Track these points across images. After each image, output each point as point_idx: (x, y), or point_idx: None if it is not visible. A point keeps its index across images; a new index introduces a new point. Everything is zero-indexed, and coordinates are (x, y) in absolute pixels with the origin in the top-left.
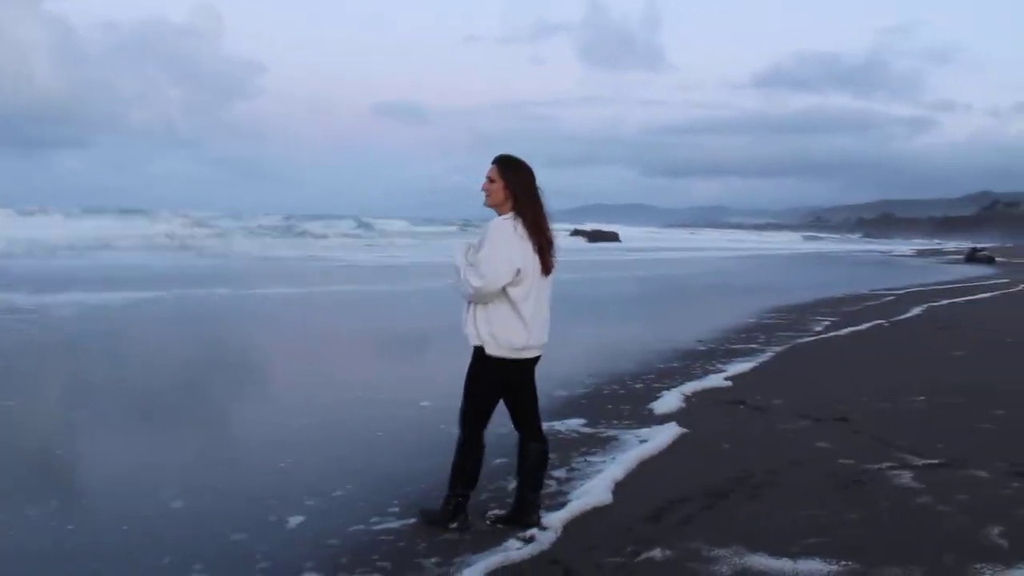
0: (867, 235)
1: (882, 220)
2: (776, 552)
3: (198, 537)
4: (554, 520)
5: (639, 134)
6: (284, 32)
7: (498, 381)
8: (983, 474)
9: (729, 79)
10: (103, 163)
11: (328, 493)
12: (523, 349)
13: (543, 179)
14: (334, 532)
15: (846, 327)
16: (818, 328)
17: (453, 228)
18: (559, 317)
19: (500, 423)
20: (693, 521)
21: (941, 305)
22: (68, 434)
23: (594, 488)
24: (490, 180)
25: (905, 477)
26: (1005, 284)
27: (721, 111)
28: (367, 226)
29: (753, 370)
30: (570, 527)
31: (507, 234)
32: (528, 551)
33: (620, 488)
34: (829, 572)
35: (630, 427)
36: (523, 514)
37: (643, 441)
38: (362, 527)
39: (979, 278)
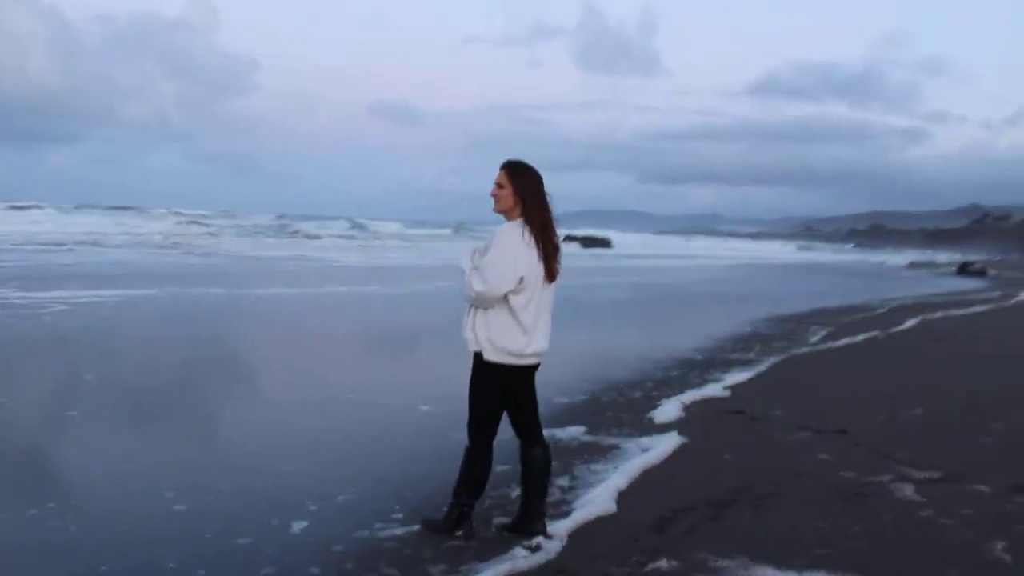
0: (859, 245)
1: (873, 231)
2: (781, 564)
3: (200, 540)
4: (559, 529)
5: (634, 139)
6: (280, 29)
7: (498, 387)
8: (984, 488)
9: (725, 86)
10: (96, 158)
11: (330, 497)
12: (521, 356)
13: None
14: (338, 537)
15: (842, 338)
16: (814, 339)
17: (447, 231)
18: (554, 323)
19: (501, 430)
20: (698, 531)
21: (936, 317)
22: (66, 434)
23: (598, 497)
24: (499, 186)
25: (907, 490)
26: (998, 297)
27: (716, 118)
28: (361, 227)
29: (751, 380)
30: (575, 536)
31: (514, 241)
32: (535, 560)
33: (624, 497)
34: None
35: (631, 436)
36: (528, 521)
37: (645, 450)
38: (366, 533)
39: (972, 291)
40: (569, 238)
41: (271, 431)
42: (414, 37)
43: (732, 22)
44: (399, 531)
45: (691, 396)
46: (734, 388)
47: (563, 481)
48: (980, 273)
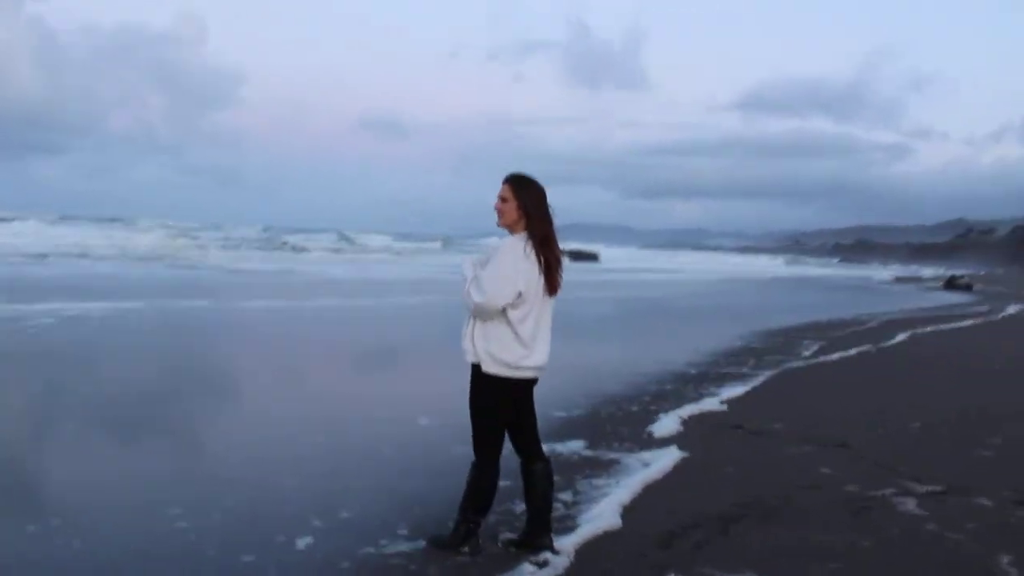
0: (844, 259)
1: (859, 245)
2: None
3: (203, 557)
4: (566, 544)
5: (620, 154)
6: (267, 42)
7: (497, 400)
8: (987, 502)
9: (711, 101)
10: (82, 169)
11: (335, 514)
12: (520, 368)
13: None
14: (344, 554)
15: (834, 352)
16: (806, 353)
17: (435, 244)
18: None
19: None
20: (706, 546)
21: (926, 332)
22: (65, 449)
23: (603, 512)
24: (503, 199)
25: (910, 504)
26: (986, 312)
27: (702, 133)
28: (348, 240)
29: (747, 394)
30: (582, 552)
31: (516, 255)
32: None
33: (628, 512)
34: None
35: (631, 450)
36: (535, 536)
37: (646, 464)
38: (372, 549)
39: (960, 305)
40: None
41: (271, 446)
42: (402, 51)
43: (718, 38)
44: (405, 547)
45: (689, 410)
46: (730, 402)
47: (566, 496)
48: (967, 287)
